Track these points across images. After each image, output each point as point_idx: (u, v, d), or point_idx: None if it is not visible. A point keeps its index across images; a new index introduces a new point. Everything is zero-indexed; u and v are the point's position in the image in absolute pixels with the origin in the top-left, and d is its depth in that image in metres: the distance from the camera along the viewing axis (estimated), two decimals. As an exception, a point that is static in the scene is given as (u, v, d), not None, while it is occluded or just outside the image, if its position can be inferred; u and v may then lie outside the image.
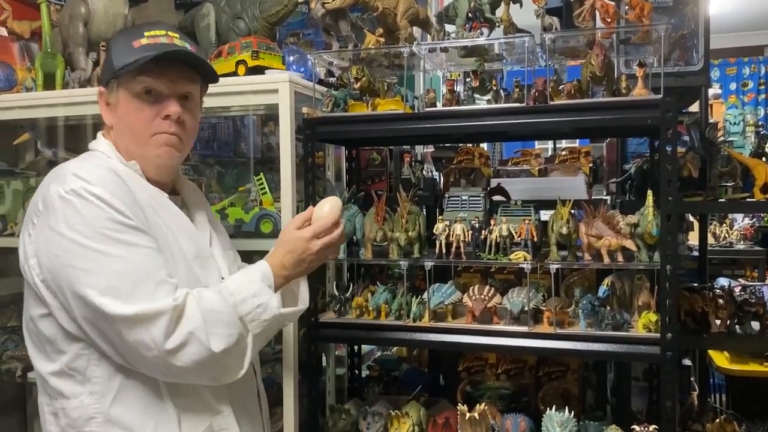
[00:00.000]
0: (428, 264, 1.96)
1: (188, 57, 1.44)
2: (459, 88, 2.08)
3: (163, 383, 1.39)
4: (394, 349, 3.22)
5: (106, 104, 1.47)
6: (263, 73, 2.12)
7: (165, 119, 1.42)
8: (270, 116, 2.72)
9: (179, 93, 1.44)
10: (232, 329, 1.37)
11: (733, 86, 7.44)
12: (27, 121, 2.67)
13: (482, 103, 2.01)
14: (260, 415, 1.62)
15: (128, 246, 1.32)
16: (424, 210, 2.41)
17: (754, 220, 4.77)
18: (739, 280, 3.71)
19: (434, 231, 1.99)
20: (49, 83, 2.50)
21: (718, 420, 2.11)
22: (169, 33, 1.44)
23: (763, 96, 7.47)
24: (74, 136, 2.73)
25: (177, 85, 1.43)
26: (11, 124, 2.71)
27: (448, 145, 2.97)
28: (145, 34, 1.41)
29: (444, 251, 1.95)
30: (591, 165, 2.77)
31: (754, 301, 2.09)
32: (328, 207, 1.55)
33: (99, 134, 1.52)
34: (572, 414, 1.85)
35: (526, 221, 1.94)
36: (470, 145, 2.63)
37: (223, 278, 1.52)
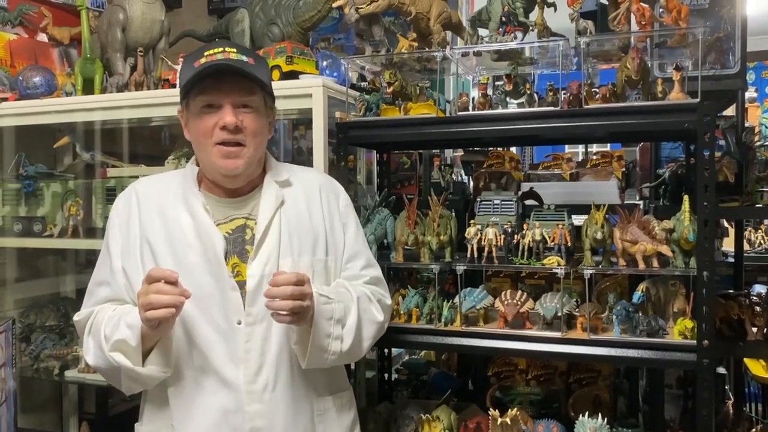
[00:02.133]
0: (460, 268, 1.96)
1: (233, 68, 1.49)
2: (488, 91, 2.07)
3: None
4: (422, 353, 3.21)
5: (185, 124, 1.60)
6: (297, 78, 2.15)
7: (222, 129, 1.50)
8: (300, 120, 2.74)
9: (236, 103, 1.51)
10: (99, 352, 1.49)
11: (768, 89, 7.27)
12: (66, 125, 2.75)
13: (513, 107, 2.01)
14: None
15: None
16: (453, 214, 2.41)
17: (791, 226, 4.64)
18: (776, 287, 3.62)
19: (466, 235, 1.98)
20: (87, 88, 2.56)
21: (754, 429, 2.06)
22: (226, 49, 1.52)
23: (799, 99, 7.28)
24: (112, 140, 2.80)
25: (232, 97, 1.50)
26: (51, 128, 2.80)
27: (477, 148, 2.96)
28: (204, 54, 1.51)
29: (476, 255, 1.95)
30: (623, 169, 2.74)
31: (792, 308, 2.04)
32: None
33: None
34: (605, 421, 1.83)
35: (560, 226, 1.93)
36: (500, 148, 2.62)
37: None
